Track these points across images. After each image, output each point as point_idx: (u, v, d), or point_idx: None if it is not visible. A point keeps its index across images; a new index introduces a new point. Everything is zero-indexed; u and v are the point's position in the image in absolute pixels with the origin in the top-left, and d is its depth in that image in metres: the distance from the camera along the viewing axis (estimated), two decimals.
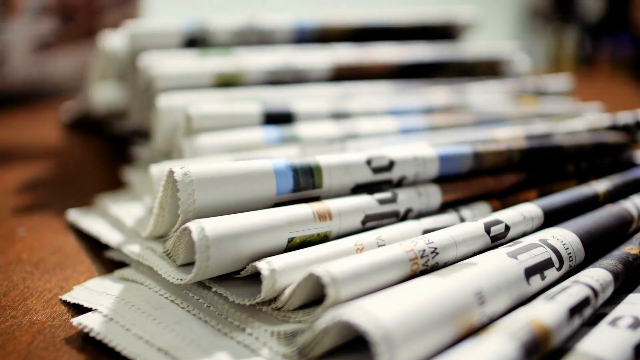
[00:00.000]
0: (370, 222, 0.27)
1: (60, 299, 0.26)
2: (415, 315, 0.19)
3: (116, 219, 0.33)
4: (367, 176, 0.28)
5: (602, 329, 0.21)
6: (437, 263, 0.24)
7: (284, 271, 0.22)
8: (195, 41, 0.45)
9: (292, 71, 0.44)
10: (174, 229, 0.25)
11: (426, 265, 0.23)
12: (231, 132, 0.35)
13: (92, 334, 0.23)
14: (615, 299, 0.24)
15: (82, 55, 0.65)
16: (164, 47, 0.44)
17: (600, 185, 0.31)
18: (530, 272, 0.23)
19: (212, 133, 0.35)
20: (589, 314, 0.22)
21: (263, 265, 0.22)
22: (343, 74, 0.46)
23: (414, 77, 0.49)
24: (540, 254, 0.24)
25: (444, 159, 0.30)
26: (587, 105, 0.49)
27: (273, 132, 0.36)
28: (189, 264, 0.25)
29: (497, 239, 0.26)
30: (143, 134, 0.46)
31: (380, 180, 0.29)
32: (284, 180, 0.26)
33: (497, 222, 0.26)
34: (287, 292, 0.22)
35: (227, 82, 0.42)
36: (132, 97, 0.46)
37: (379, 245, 0.25)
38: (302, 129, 0.37)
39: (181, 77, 0.40)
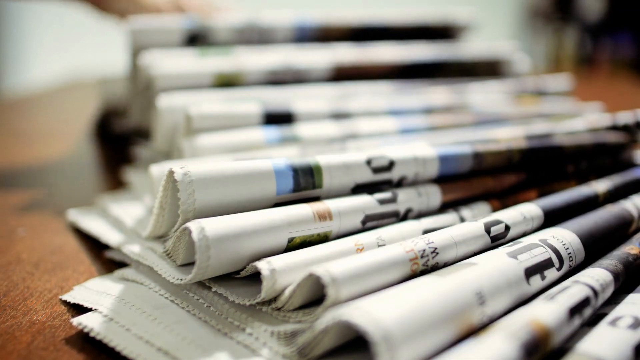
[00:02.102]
0: (370, 222, 0.27)
1: (60, 299, 0.26)
2: (415, 315, 0.19)
3: (116, 219, 0.33)
4: (367, 176, 0.28)
5: (602, 329, 0.21)
6: (437, 263, 0.24)
7: (284, 271, 0.22)
8: (196, 38, 0.45)
9: (292, 71, 0.44)
10: (174, 229, 0.25)
11: (426, 265, 0.23)
12: (231, 132, 0.35)
13: (92, 334, 0.23)
14: (615, 299, 0.24)
15: None
16: (164, 44, 0.44)
17: (600, 185, 0.31)
18: (530, 272, 0.23)
19: (212, 133, 0.35)
20: (589, 314, 0.22)
21: (263, 265, 0.22)
22: (343, 74, 0.46)
23: (414, 77, 0.49)
24: (540, 254, 0.24)
25: (444, 159, 0.30)
26: (587, 105, 0.49)
27: (273, 132, 0.36)
28: (189, 264, 0.25)
29: (497, 239, 0.26)
30: (143, 134, 0.46)
31: (380, 180, 0.29)
32: (284, 180, 0.26)
33: (497, 222, 0.26)
34: (287, 292, 0.22)
35: (227, 82, 0.42)
36: (132, 95, 0.46)
37: (379, 245, 0.25)
38: (302, 129, 0.37)
39: (181, 77, 0.40)
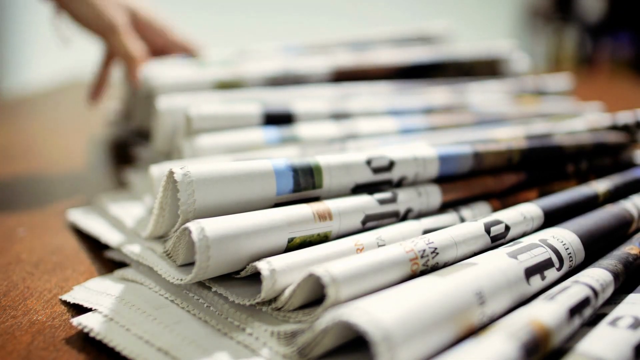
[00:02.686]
0: (371, 222, 0.27)
1: (60, 299, 0.26)
2: (415, 316, 0.19)
3: (116, 219, 0.33)
4: (367, 176, 0.28)
5: (602, 329, 0.21)
6: (437, 263, 0.24)
7: (284, 271, 0.22)
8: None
9: (292, 77, 0.44)
10: (174, 229, 0.25)
11: (426, 265, 0.23)
12: (231, 133, 0.35)
13: (92, 334, 0.23)
14: (615, 299, 0.24)
15: None
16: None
17: (600, 185, 0.31)
18: (530, 272, 0.23)
19: (212, 134, 0.35)
20: (589, 314, 0.22)
21: (263, 266, 0.22)
22: (342, 78, 0.46)
23: (413, 78, 0.49)
24: (540, 254, 0.24)
25: (444, 159, 0.30)
26: (587, 105, 0.49)
27: (273, 132, 0.36)
28: (189, 264, 0.25)
29: (497, 239, 0.26)
30: (144, 135, 0.46)
31: (380, 180, 0.29)
32: (284, 180, 0.26)
33: (497, 222, 0.26)
34: (287, 292, 0.22)
35: (226, 89, 0.42)
36: (133, 99, 0.46)
37: (379, 245, 0.25)
38: (302, 129, 0.37)
39: (181, 86, 0.40)
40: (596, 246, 0.26)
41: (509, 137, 0.35)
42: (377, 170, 0.28)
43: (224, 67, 0.43)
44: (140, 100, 0.44)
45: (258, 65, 0.43)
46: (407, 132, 0.39)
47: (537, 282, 0.23)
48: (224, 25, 1.65)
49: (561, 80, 0.52)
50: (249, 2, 1.81)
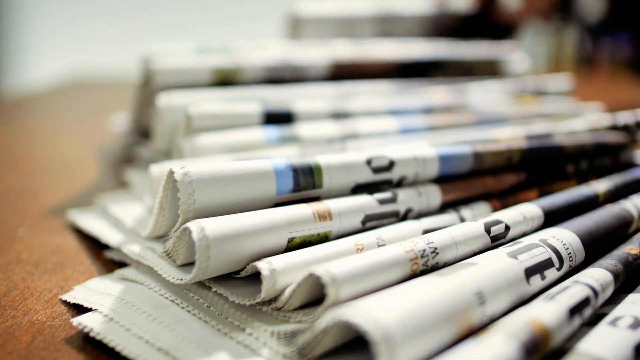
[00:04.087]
0: (370, 222, 0.27)
1: (60, 299, 0.26)
2: (415, 315, 0.19)
3: (116, 218, 0.33)
4: (367, 176, 0.28)
5: (602, 329, 0.21)
6: (437, 263, 0.24)
7: (284, 271, 0.22)
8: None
9: (291, 68, 0.44)
10: (174, 229, 0.25)
11: (426, 265, 0.23)
12: (231, 132, 0.35)
13: (92, 334, 0.23)
14: (615, 299, 0.24)
15: None
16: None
17: (600, 185, 0.31)
18: (530, 272, 0.23)
19: (212, 133, 0.35)
20: (589, 314, 0.22)
21: (263, 265, 0.22)
22: (341, 72, 0.46)
23: (413, 75, 0.49)
24: (540, 254, 0.24)
25: (444, 159, 0.30)
26: (587, 105, 0.49)
27: (273, 131, 0.36)
28: (189, 264, 0.25)
29: (497, 239, 0.26)
30: (143, 134, 0.46)
31: (380, 180, 0.29)
32: (284, 180, 0.26)
33: (497, 222, 0.26)
34: (287, 292, 0.22)
35: (225, 77, 0.42)
36: (131, 94, 0.46)
37: (379, 245, 0.25)
38: (302, 128, 0.37)
39: (180, 72, 0.40)
40: (596, 246, 0.26)
41: (509, 137, 0.35)
42: (377, 170, 0.28)
43: (224, 54, 0.43)
44: (138, 92, 0.44)
45: (257, 54, 0.43)
46: (407, 132, 0.39)
47: (537, 282, 0.23)
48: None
49: (561, 80, 0.52)
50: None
